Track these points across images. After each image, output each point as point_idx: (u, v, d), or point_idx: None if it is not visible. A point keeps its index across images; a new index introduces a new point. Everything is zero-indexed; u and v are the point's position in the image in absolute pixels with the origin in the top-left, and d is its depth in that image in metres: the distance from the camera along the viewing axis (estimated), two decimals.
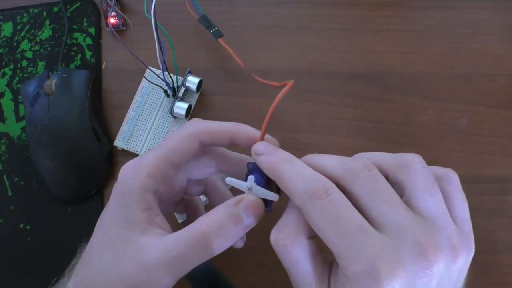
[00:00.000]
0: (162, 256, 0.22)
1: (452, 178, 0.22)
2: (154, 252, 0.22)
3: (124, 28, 0.43)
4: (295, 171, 0.22)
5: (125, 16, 0.42)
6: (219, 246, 0.22)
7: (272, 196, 0.24)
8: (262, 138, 0.25)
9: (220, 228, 0.22)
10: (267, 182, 0.25)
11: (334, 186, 0.21)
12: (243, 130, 0.25)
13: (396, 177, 0.22)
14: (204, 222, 0.22)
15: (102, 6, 0.43)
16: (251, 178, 0.24)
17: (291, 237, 0.21)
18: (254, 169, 0.25)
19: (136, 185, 0.24)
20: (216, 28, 0.40)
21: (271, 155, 0.23)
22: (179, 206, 0.32)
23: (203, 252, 0.22)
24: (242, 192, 0.24)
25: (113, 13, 0.42)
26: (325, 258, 0.22)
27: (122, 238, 0.23)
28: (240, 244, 0.28)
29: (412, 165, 0.21)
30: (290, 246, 0.21)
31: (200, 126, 0.25)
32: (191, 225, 0.23)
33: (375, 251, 0.19)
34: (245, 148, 0.25)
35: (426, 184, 0.21)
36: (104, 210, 0.25)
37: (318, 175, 0.22)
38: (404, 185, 0.21)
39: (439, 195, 0.21)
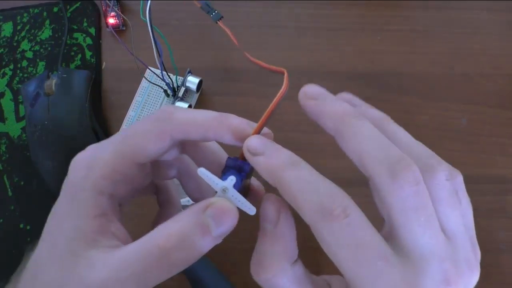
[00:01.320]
0: (113, 276, 0.18)
1: (458, 182, 0.20)
2: (103, 271, 0.18)
3: (124, 28, 0.43)
4: (304, 181, 0.18)
5: (124, 17, 0.42)
6: (183, 262, 0.18)
7: (249, 209, 0.20)
8: (258, 132, 0.20)
9: (182, 241, 0.18)
10: (244, 186, 0.21)
11: (352, 203, 0.18)
12: (227, 122, 0.21)
13: None
14: (163, 234, 0.19)
15: (102, 6, 0.43)
16: (231, 179, 0.20)
17: (273, 269, 0.19)
18: (234, 167, 0.21)
19: (88, 186, 0.20)
20: (215, 12, 0.40)
21: (273, 157, 0.19)
22: (148, 190, 0.27)
23: (163, 269, 0.18)
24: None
25: (113, 13, 0.42)
26: (315, 280, 0.21)
27: (69, 251, 0.19)
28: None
29: (438, 176, 0.19)
30: (274, 279, 0.19)
31: (174, 121, 0.21)
32: (148, 235, 0.19)
33: (395, 282, 0.17)
34: (232, 145, 0.21)
35: (449, 197, 0.19)
36: (51, 213, 0.21)
37: (332, 186, 0.18)
38: None
39: (460, 209, 0.19)
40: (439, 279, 0.17)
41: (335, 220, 0.17)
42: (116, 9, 0.42)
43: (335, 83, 0.41)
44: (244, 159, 0.20)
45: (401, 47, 0.42)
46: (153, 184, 0.27)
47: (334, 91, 0.40)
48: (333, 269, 0.21)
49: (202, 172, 0.20)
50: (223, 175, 0.20)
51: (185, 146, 0.24)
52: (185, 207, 0.35)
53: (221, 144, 0.24)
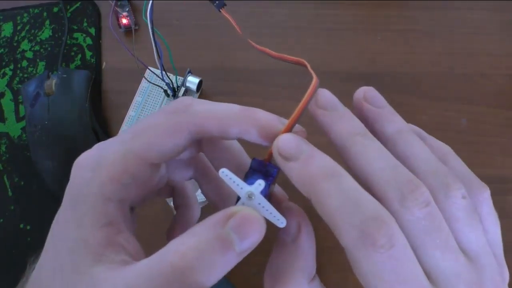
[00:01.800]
0: None
1: (485, 197, 0.19)
2: None
3: (137, 28, 0.42)
4: (345, 197, 0.16)
5: (131, 17, 0.42)
6: (201, 284, 0.16)
7: (278, 220, 0.17)
8: (290, 130, 0.18)
9: (199, 259, 0.15)
10: (269, 193, 0.18)
11: (397, 229, 0.16)
12: (254, 117, 0.18)
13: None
14: (178, 252, 0.16)
15: (112, 6, 0.43)
16: (260, 183, 0.17)
17: (289, 286, 0.17)
18: (260, 170, 0.18)
19: (93, 191, 0.18)
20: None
21: (310, 164, 0.17)
22: (163, 192, 0.24)
23: None
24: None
25: (124, 13, 0.42)
26: None
27: (73, 267, 0.17)
28: None
29: (453, 195, 0.17)
30: None
31: (192, 114, 0.18)
32: (161, 252, 0.16)
33: None
34: (259, 143, 0.19)
35: (467, 215, 0.17)
36: (54, 221, 0.18)
37: (378, 207, 0.16)
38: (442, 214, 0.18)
39: (481, 228, 0.18)
40: None
41: (378, 250, 0.15)
42: (127, 9, 0.42)
43: (335, 83, 0.41)
44: (270, 161, 0.18)
45: (401, 47, 0.42)
46: (168, 185, 0.24)
47: (334, 91, 0.40)
48: (334, 271, 0.21)
49: (225, 173, 0.17)
50: (247, 179, 0.18)
51: (201, 144, 0.22)
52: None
53: (241, 144, 0.22)
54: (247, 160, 0.21)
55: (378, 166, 0.17)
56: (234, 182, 0.17)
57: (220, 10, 0.39)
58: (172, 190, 0.25)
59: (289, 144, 0.17)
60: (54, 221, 0.18)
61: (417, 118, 0.40)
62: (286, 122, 0.18)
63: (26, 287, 0.19)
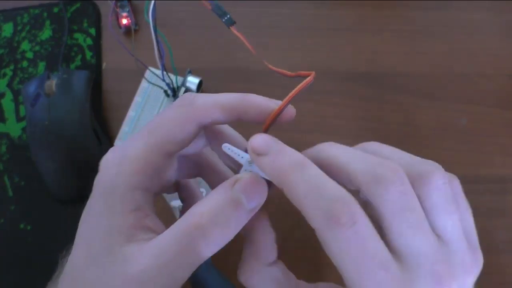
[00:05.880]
0: (152, 263, 0.18)
1: (456, 186, 0.20)
2: (142, 261, 0.18)
3: (137, 28, 0.42)
4: (310, 185, 0.18)
5: (130, 17, 0.42)
6: (220, 238, 0.18)
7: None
8: (265, 130, 0.21)
9: (216, 216, 0.18)
10: None
11: (359, 209, 0.17)
12: (250, 100, 0.21)
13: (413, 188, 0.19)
14: (196, 213, 0.19)
15: (114, 6, 0.43)
16: None
17: (249, 270, 0.20)
18: None
19: (121, 183, 0.20)
20: (228, 16, 0.40)
21: (278, 158, 0.19)
22: (171, 186, 0.26)
23: (202, 248, 0.18)
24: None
25: (125, 14, 0.42)
26: (300, 284, 0.21)
27: (106, 249, 0.19)
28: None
29: (433, 181, 0.19)
30: (250, 280, 0.20)
31: (199, 107, 0.21)
32: (180, 219, 0.19)
33: None
34: (257, 122, 0.22)
35: (446, 202, 0.19)
36: (83, 215, 0.21)
37: (340, 190, 0.18)
38: (421, 200, 0.19)
39: (457, 214, 0.19)
40: (431, 282, 0.17)
41: (342, 228, 0.17)
42: (127, 10, 0.42)
43: (335, 83, 0.41)
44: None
45: (401, 47, 0.42)
46: (175, 182, 0.27)
47: (334, 91, 0.40)
48: (333, 269, 0.21)
49: (227, 147, 0.20)
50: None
51: (207, 136, 0.24)
52: (175, 209, 0.35)
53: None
54: (237, 137, 0.24)
55: (354, 159, 0.19)
56: (235, 153, 0.20)
57: (230, 27, 0.39)
58: (176, 186, 0.27)
59: (260, 142, 0.19)
60: (84, 213, 0.20)
61: (417, 118, 0.40)
62: (279, 102, 0.21)
63: (60, 280, 0.20)
